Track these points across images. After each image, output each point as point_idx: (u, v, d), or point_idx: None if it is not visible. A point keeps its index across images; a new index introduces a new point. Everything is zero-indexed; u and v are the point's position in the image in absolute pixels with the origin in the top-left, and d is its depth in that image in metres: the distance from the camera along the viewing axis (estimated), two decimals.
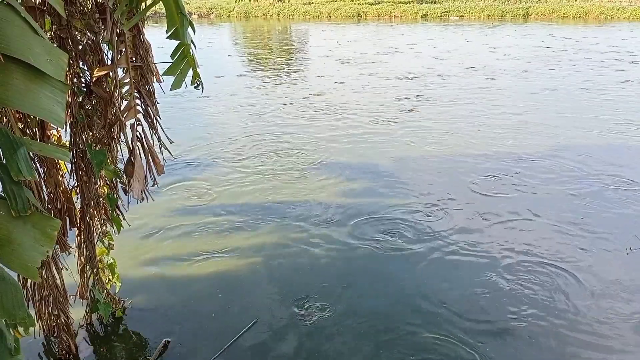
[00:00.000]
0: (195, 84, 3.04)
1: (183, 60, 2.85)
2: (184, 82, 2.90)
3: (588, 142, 8.72)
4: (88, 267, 3.76)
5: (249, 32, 33.12)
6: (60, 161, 3.30)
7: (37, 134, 3.07)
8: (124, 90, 3.18)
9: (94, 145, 3.25)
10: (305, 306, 4.27)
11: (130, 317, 4.19)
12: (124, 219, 3.80)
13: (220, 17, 44.41)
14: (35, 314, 3.48)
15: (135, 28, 3.02)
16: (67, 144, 3.35)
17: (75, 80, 3.12)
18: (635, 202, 6.24)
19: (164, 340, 3.84)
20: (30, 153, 1.70)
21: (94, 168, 3.22)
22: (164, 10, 2.62)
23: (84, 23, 2.98)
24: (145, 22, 3.27)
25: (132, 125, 3.16)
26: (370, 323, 4.06)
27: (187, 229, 5.69)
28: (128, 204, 3.74)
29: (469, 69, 16.35)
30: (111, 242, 3.96)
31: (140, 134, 3.21)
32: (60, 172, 3.39)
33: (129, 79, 3.08)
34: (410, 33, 28.80)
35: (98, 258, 3.82)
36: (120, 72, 3.12)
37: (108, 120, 3.23)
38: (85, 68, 3.14)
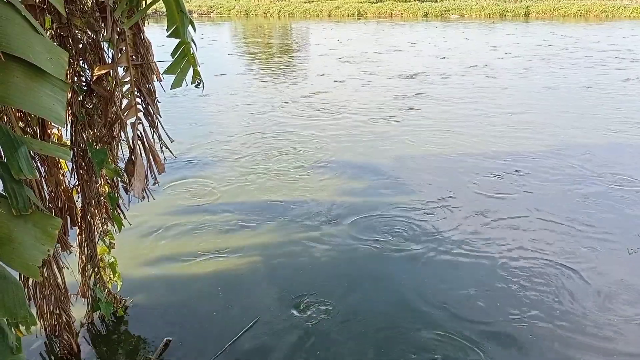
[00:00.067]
0: (196, 83, 3.04)
1: (183, 58, 2.84)
2: (184, 81, 2.90)
3: (589, 140, 8.71)
4: (89, 266, 3.77)
5: (250, 30, 33.09)
6: (61, 160, 3.30)
7: (38, 132, 3.07)
8: (124, 89, 3.18)
9: (94, 144, 3.25)
10: (306, 305, 4.27)
11: (131, 316, 4.19)
12: (125, 218, 3.79)
13: (221, 16, 44.39)
14: (37, 312, 3.49)
15: (135, 26, 3.02)
16: (68, 142, 3.35)
17: (75, 78, 3.12)
18: (636, 201, 6.23)
19: (165, 339, 3.84)
20: (31, 152, 1.70)
21: (95, 167, 3.22)
22: (164, 9, 2.61)
23: (84, 21, 2.98)
24: (146, 21, 3.26)
25: (132, 124, 3.16)
26: (371, 322, 4.05)
27: (188, 227, 5.69)
28: (129, 202, 3.74)
29: (469, 67, 16.33)
30: (112, 241, 3.96)
31: (140, 132, 3.20)
32: (61, 171, 3.39)
33: (129, 78, 3.08)
34: (410, 32, 28.77)
35: (99, 257, 3.82)
36: (120, 70, 3.12)
37: (109, 119, 3.22)
38: (86, 66, 3.14)
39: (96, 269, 3.77)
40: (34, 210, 1.58)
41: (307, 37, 28.34)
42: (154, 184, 3.41)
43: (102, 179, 3.60)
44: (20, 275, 2.85)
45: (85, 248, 3.70)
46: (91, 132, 3.29)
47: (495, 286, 4.52)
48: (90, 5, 3.01)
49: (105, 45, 3.12)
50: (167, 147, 3.44)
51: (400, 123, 9.99)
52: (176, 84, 2.86)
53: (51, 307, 3.52)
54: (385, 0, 42.48)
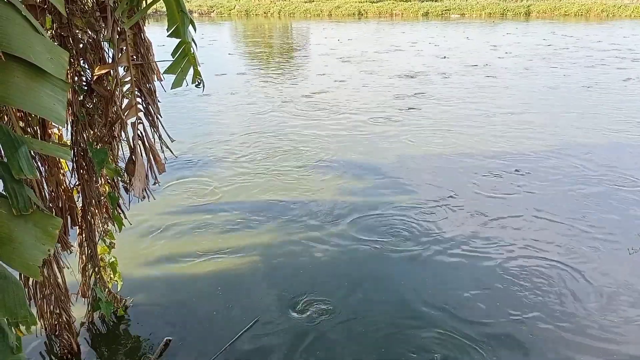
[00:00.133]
0: (196, 83, 3.04)
1: (184, 58, 2.84)
2: (184, 81, 2.90)
3: (590, 140, 8.71)
4: (89, 265, 3.77)
5: (250, 30, 33.09)
6: (61, 160, 3.30)
7: (38, 132, 3.07)
8: (125, 89, 3.18)
9: (95, 143, 3.25)
10: (306, 305, 4.27)
11: (131, 315, 4.19)
12: (125, 218, 3.80)
13: (221, 16, 44.39)
14: (37, 312, 3.49)
15: (136, 26, 3.02)
16: (68, 142, 3.35)
17: (76, 78, 3.12)
18: (637, 200, 6.22)
19: (165, 338, 3.84)
20: (32, 152, 1.70)
21: (95, 166, 3.22)
22: (164, 9, 2.61)
23: (84, 21, 2.98)
24: (146, 21, 3.26)
25: (133, 124, 3.16)
26: (371, 322, 4.05)
27: (188, 227, 5.69)
28: (129, 202, 3.74)
29: (470, 67, 16.32)
30: (112, 240, 3.96)
31: (141, 132, 3.20)
32: (62, 171, 3.39)
33: (129, 78, 3.08)
34: (411, 31, 28.76)
35: (99, 257, 3.83)
36: (121, 70, 3.12)
37: (109, 119, 3.22)
38: (86, 66, 3.14)
39: (96, 268, 3.77)
40: (34, 210, 1.59)
41: (307, 36, 28.34)
42: (155, 183, 3.42)
43: (102, 179, 3.61)
44: (20, 274, 2.85)
45: (86, 248, 3.70)
46: (92, 132, 3.29)
47: (495, 286, 4.51)
48: (90, 5, 3.01)
49: (105, 45, 3.12)
50: (167, 147, 3.44)
51: (400, 123, 9.99)
52: (176, 84, 2.86)
53: (51, 307, 3.52)
54: (385, 0, 42.46)
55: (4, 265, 1.50)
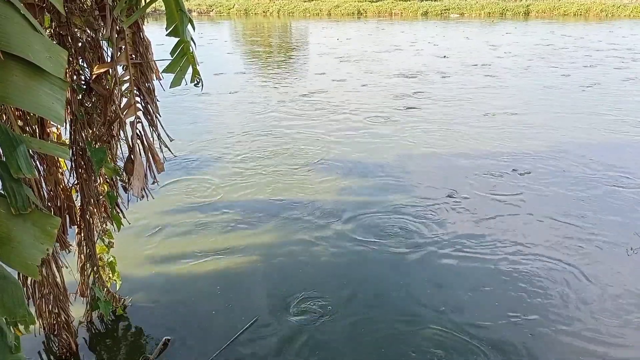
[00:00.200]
0: (195, 82, 3.03)
1: (183, 57, 2.83)
2: (183, 80, 2.89)
3: (589, 140, 8.71)
4: (88, 265, 3.76)
5: (249, 29, 33.07)
6: (60, 159, 3.30)
7: (37, 131, 3.06)
8: (123, 88, 3.17)
9: (93, 142, 3.24)
10: (306, 305, 4.27)
11: (130, 315, 4.18)
12: (124, 217, 3.79)
13: (220, 15, 44.36)
14: (36, 312, 3.48)
15: (134, 25, 3.01)
16: (67, 141, 3.34)
17: (74, 77, 3.11)
18: (637, 200, 6.23)
19: (164, 338, 3.84)
20: (30, 150, 1.70)
21: (94, 166, 3.21)
22: (163, 8, 2.60)
23: (83, 20, 2.97)
24: (145, 20, 3.25)
25: (132, 123, 3.15)
26: (371, 322, 4.05)
27: (187, 226, 5.69)
28: (128, 201, 3.73)
29: (469, 66, 16.33)
30: (111, 240, 3.95)
31: (140, 131, 3.20)
32: (60, 170, 3.38)
33: (128, 77, 3.07)
34: (410, 31, 28.77)
35: (98, 256, 3.82)
36: (120, 69, 3.11)
37: (108, 118, 3.22)
38: (85, 65, 3.13)
39: (95, 268, 3.77)
40: (33, 209, 1.58)
41: (306, 36, 28.33)
42: (153, 183, 3.41)
43: (101, 178, 3.60)
44: (19, 274, 2.85)
45: (85, 247, 3.69)
46: (90, 131, 3.29)
47: (495, 286, 4.51)
48: (89, 4, 3.00)
49: (104, 44, 3.11)
50: (166, 146, 3.43)
51: (399, 122, 9.99)
52: (175, 83, 2.86)
53: (50, 306, 3.52)
54: None
55: (3, 264, 1.49)
